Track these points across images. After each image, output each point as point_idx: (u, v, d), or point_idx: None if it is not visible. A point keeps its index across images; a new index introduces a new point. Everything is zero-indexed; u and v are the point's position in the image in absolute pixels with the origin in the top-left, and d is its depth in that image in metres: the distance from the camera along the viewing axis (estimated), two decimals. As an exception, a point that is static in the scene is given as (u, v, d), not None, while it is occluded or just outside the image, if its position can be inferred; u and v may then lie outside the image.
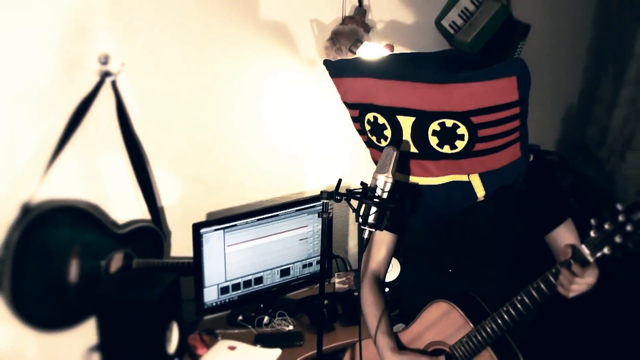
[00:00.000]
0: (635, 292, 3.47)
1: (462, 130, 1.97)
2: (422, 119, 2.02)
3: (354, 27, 3.11)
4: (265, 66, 3.11)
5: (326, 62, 2.28)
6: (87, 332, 2.72)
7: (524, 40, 3.76)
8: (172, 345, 2.68)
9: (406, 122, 2.05)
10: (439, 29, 3.54)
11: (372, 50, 3.03)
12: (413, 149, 2.09)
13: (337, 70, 2.24)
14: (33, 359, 2.70)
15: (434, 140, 2.02)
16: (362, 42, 3.06)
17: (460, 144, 2.00)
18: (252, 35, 3.03)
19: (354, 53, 3.04)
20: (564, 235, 2.16)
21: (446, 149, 2.02)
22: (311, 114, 3.31)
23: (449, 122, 1.98)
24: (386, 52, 3.07)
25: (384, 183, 2.03)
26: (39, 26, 2.46)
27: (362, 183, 2.09)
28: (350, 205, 2.09)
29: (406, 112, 2.04)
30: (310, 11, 3.18)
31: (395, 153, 2.03)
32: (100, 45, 2.62)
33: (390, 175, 2.02)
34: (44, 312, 2.65)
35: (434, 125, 2.00)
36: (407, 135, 2.07)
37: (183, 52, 2.87)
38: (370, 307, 2.41)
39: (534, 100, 3.87)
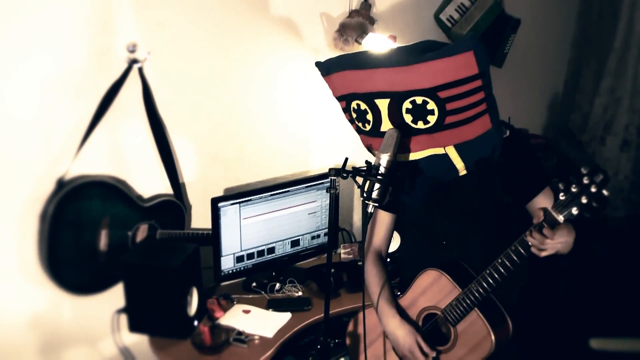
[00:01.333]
0: (614, 262, 3.47)
1: (431, 105, 1.96)
2: (396, 99, 2.02)
3: (360, 19, 3.09)
4: (279, 55, 3.09)
5: (317, 64, 2.28)
6: (115, 296, 2.71)
7: (514, 33, 3.74)
8: (192, 309, 2.66)
9: (383, 104, 2.05)
10: (437, 22, 3.52)
11: (376, 41, 3.00)
12: (390, 128, 2.08)
13: (326, 69, 2.25)
14: (67, 320, 2.69)
15: (408, 118, 2.02)
16: (367, 34, 3.04)
17: (432, 119, 1.99)
18: (267, 26, 3.00)
19: (360, 44, 3.02)
20: (543, 203, 2.14)
21: (420, 125, 2.01)
22: (319, 99, 3.28)
23: (419, 99, 1.97)
24: (390, 43, 3.05)
25: (387, 162, 2.01)
26: (73, 18, 2.44)
27: (366, 161, 2.07)
28: (356, 182, 2.08)
29: (382, 95, 2.04)
30: (320, 5, 3.15)
31: (397, 134, 2.02)
32: (128, 35, 2.59)
33: (393, 155, 2.01)
34: (77, 277, 2.63)
35: (407, 104, 2.00)
36: (385, 116, 2.07)
37: (204, 41, 2.84)
38: (373, 279, 2.40)
39: (523, 88, 3.85)
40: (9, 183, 2.42)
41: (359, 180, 2.07)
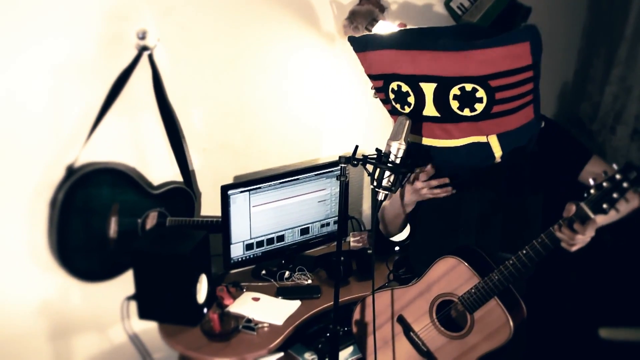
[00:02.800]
0: (623, 251, 3.45)
1: (480, 93, 1.92)
2: (443, 85, 1.97)
3: (370, 7, 3.06)
4: (289, 42, 3.05)
5: (351, 39, 2.23)
6: (124, 283, 2.70)
7: (525, 21, 3.70)
8: (202, 296, 2.65)
9: (428, 89, 2.00)
10: (448, 10, 3.48)
11: (386, 29, 2.97)
12: (435, 113, 2.04)
13: (361, 45, 2.19)
14: (77, 306, 2.69)
15: (454, 104, 1.98)
16: (377, 21, 3.01)
17: (479, 107, 1.95)
18: (277, 14, 2.96)
19: (370, 31, 2.99)
20: (595, 168, 2.13)
21: (466, 112, 1.97)
22: (329, 87, 3.25)
23: (468, 87, 1.93)
24: (399, 31, 3.02)
25: (397, 149, 1.99)
26: (85, 5, 2.42)
27: (376, 149, 2.05)
28: (366, 170, 2.06)
29: (428, 79, 1.98)
30: (330, -8, 3.11)
31: (407, 122, 2.00)
32: (138, 21, 2.57)
33: (403, 142, 1.99)
34: (87, 264, 2.62)
35: (455, 90, 1.95)
36: (429, 100, 2.02)
37: (214, 29, 2.81)
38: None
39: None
40: (20, 170, 2.41)
41: (369, 168, 2.06)
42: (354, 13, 3.04)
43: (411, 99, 2.06)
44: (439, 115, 2.03)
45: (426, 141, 2.11)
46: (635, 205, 2.05)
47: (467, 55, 1.89)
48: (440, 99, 2.00)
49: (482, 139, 2.04)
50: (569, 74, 4.62)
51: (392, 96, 2.13)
